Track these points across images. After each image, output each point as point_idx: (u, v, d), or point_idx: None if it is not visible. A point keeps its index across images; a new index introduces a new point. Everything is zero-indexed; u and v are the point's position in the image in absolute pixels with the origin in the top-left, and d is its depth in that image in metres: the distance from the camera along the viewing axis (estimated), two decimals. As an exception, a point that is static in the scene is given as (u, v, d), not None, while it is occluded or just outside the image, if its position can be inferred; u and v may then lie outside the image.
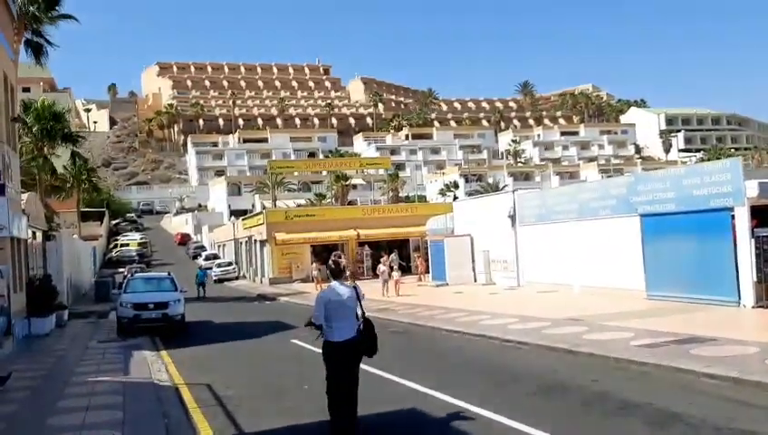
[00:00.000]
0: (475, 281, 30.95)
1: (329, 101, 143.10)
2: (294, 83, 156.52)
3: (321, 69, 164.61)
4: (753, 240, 17.40)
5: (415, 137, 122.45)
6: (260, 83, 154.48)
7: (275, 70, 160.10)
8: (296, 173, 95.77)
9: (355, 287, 7.83)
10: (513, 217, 28.31)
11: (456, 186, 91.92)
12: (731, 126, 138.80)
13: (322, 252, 42.85)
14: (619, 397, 8.83)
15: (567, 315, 17.52)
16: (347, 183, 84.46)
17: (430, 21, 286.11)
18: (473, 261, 31.39)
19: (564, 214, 25.12)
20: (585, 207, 23.94)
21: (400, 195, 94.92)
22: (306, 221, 41.73)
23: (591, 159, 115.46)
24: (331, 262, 7.87)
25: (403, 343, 15.79)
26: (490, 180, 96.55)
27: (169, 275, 22.61)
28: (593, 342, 12.44)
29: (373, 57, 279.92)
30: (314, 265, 36.70)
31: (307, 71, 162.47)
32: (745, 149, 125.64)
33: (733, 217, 17.85)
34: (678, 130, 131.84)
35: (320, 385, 10.77)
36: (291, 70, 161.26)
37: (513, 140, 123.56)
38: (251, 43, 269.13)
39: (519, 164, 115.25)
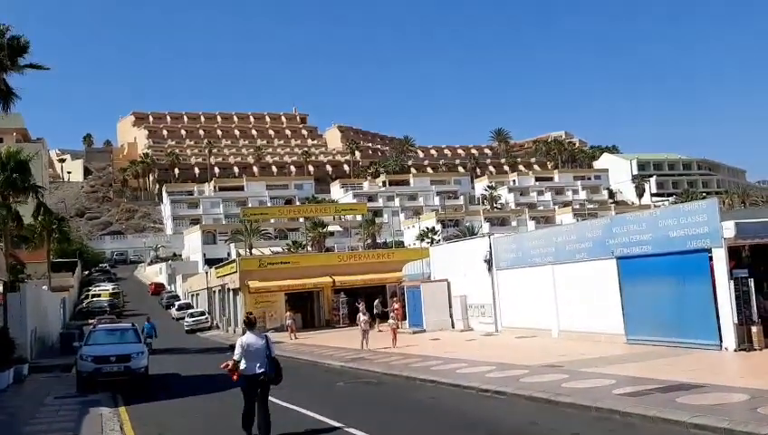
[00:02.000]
0: (453, 327, 30.33)
1: (306, 149, 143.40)
2: (271, 132, 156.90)
3: (297, 117, 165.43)
4: (732, 281, 17.13)
5: (392, 183, 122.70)
6: (236, 132, 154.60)
7: (252, 118, 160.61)
8: (272, 221, 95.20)
9: (266, 336, 10.95)
10: (489, 262, 27.91)
11: (433, 231, 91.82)
12: (701, 171, 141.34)
13: (297, 300, 42.26)
14: (604, 453, 8.28)
15: (546, 362, 17.02)
16: (323, 230, 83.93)
17: (405, 69, 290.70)
18: (450, 307, 30.82)
19: (541, 257, 24.77)
20: (561, 251, 23.64)
21: (378, 241, 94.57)
22: (280, 269, 40.94)
23: (566, 204, 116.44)
24: (245, 318, 11.17)
25: (373, 395, 15.10)
26: (467, 225, 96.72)
27: (133, 325, 21.67)
28: (574, 390, 11.89)
29: (350, 105, 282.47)
30: (288, 313, 35.81)
31: (284, 119, 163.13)
32: (716, 193, 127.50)
33: (711, 258, 17.62)
34: (650, 175, 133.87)
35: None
36: (267, 118, 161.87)
37: (488, 186, 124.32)
38: (228, 92, 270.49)
39: (495, 209, 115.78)
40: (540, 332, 24.34)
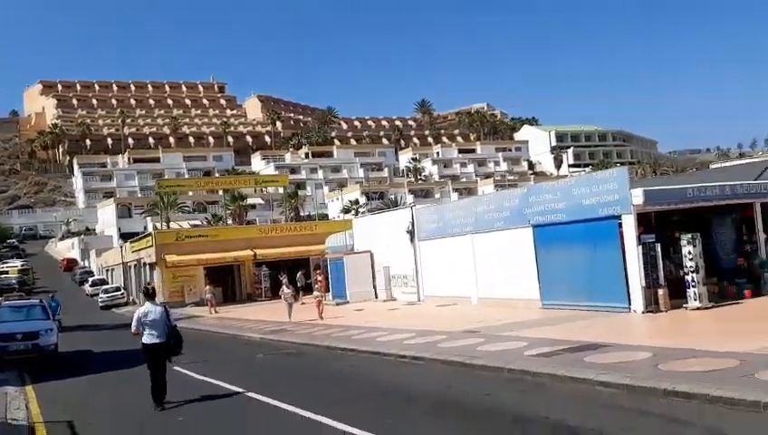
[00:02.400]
0: (377, 297, 30.45)
1: (224, 120, 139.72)
2: (188, 101, 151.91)
3: (215, 87, 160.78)
4: (640, 247, 17.80)
5: (315, 155, 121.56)
6: (151, 102, 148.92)
7: (167, 88, 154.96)
8: (191, 193, 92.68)
9: (164, 306, 11.56)
10: (411, 233, 28.05)
11: (357, 203, 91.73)
12: (616, 142, 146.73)
13: (218, 274, 41.40)
14: (513, 411, 8.45)
15: (464, 328, 17.28)
16: (244, 203, 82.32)
17: (327, 40, 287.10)
18: (373, 278, 30.88)
19: (461, 227, 25.08)
20: (481, 220, 23.98)
21: (301, 214, 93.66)
22: (199, 242, 39.90)
23: (488, 176, 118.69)
24: (143, 288, 12.34)
25: (292, 365, 14.96)
26: (391, 197, 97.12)
27: (41, 302, 20.58)
28: (488, 353, 12.10)
29: (270, 75, 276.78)
30: (207, 287, 35.01)
31: (201, 88, 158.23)
32: (630, 163, 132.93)
33: (620, 224, 18.24)
34: (568, 147, 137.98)
35: (198, 416, 9.83)
36: (184, 87, 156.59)
37: (413, 158, 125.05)
38: (141, 60, 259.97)
39: (419, 181, 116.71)
40: (460, 300, 24.74)
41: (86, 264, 74.61)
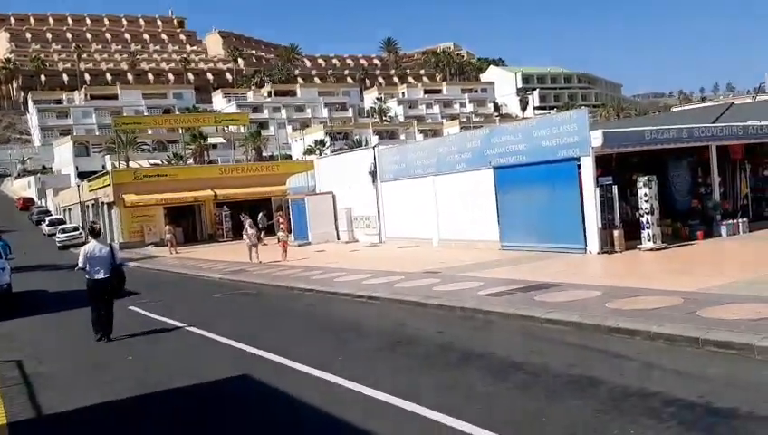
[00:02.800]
0: (339, 239, 30.45)
1: (184, 56, 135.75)
2: (146, 36, 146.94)
3: (174, 21, 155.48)
4: (597, 189, 17.98)
5: (278, 94, 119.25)
6: (108, 36, 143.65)
7: (125, 22, 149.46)
8: (150, 132, 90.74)
9: (110, 244, 12.22)
10: (374, 174, 27.91)
11: (322, 144, 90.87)
12: (581, 84, 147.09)
13: (178, 214, 40.91)
14: (463, 348, 8.58)
15: (424, 269, 17.41)
16: (205, 142, 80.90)
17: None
18: (335, 219, 30.80)
19: (423, 169, 25.00)
20: (443, 162, 23.91)
21: (264, 154, 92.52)
22: (158, 181, 39.19)
23: (454, 117, 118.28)
24: (89, 226, 12.96)
25: (249, 305, 14.95)
26: (356, 138, 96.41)
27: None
28: (443, 293, 12.24)
29: (232, 10, 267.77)
30: (168, 227, 34.56)
31: (160, 23, 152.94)
32: (593, 106, 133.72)
33: (579, 166, 18.35)
34: (534, 89, 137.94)
35: (147, 356, 9.81)
36: (142, 22, 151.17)
37: (378, 99, 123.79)
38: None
39: (385, 122, 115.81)
40: (422, 241, 24.88)
41: (43, 203, 73.02)
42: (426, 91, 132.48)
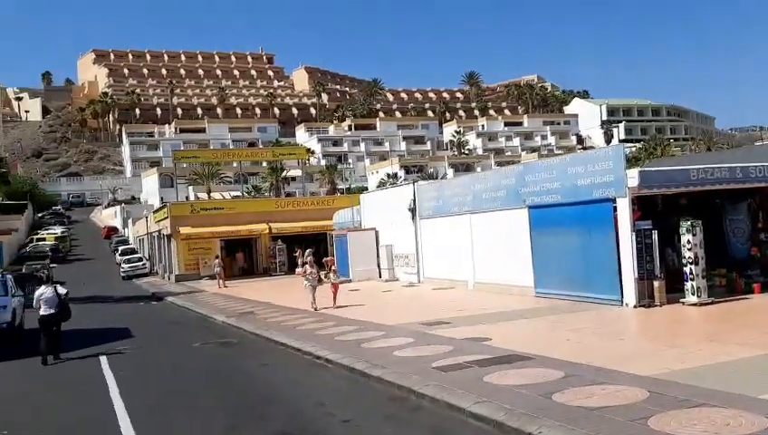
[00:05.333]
0: (380, 277, 29.39)
1: (271, 91, 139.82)
2: (236, 72, 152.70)
3: (264, 57, 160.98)
4: (633, 234, 16.15)
5: (358, 127, 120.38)
6: (200, 72, 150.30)
7: (217, 58, 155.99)
8: (234, 164, 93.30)
9: (55, 286, 15.13)
10: (413, 210, 26.82)
11: (395, 177, 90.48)
12: (670, 117, 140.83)
13: (234, 247, 41.09)
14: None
15: (435, 318, 16.14)
16: (282, 175, 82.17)
17: (378, 10, 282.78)
18: (378, 256, 29.79)
19: (459, 206, 23.70)
20: (478, 199, 22.53)
21: (341, 187, 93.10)
22: (214, 215, 39.47)
23: (534, 150, 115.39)
24: (39, 274, 19.81)
25: (208, 356, 14.11)
26: (431, 171, 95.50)
27: (2, 276, 19.92)
28: (398, 360, 10.88)
29: (319, 47, 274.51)
30: (216, 261, 34.55)
31: (250, 59, 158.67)
32: (684, 139, 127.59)
33: (615, 208, 16.60)
34: (619, 121, 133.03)
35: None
36: (233, 58, 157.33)
37: (456, 131, 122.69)
38: (193, 30, 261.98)
39: (463, 155, 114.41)
40: (458, 283, 23.51)
41: (126, 232, 75.86)
42: (506, 124, 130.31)
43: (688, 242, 15.87)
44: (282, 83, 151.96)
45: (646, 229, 16.33)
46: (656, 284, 16.26)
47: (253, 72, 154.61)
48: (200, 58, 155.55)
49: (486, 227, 22.14)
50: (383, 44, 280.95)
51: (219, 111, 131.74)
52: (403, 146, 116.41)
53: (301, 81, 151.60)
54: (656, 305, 15.99)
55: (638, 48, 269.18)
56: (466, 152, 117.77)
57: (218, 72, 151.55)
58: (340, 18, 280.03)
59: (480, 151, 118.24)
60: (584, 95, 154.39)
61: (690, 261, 15.82)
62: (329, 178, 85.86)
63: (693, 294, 15.74)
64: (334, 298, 20.75)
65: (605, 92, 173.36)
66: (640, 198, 17.58)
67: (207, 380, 11.87)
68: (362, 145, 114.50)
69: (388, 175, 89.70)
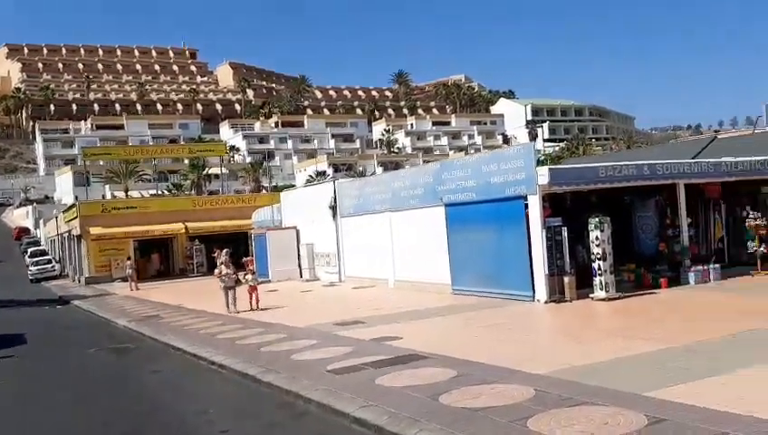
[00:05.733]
0: (301, 277, 28.81)
1: (194, 87, 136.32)
2: (157, 67, 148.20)
3: (187, 53, 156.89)
4: (544, 231, 16.25)
5: (285, 125, 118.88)
6: (119, 67, 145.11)
7: (137, 53, 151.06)
8: (155, 162, 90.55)
9: None
10: (334, 208, 26.38)
11: (324, 175, 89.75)
12: (592, 117, 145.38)
13: (149, 248, 39.60)
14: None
15: (351, 317, 15.82)
16: (204, 172, 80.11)
17: (306, 7, 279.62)
18: (298, 256, 29.20)
19: (380, 204, 23.43)
20: (398, 197, 22.33)
21: (266, 185, 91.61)
22: (127, 214, 37.85)
23: (461, 149, 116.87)
24: None
25: (91, 364, 13.33)
26: (360, 169, 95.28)
27: None
28: (295, 364, 10.48)
29: (245, 42, 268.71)
30: (129, 262, 33.12)
31: (172, 54, 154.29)
32: (605, 138, 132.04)
33: (526, 206, 16.66)
34: (544, 121, 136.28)
35: None
36: (154, 53, 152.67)
37: (385, 130, 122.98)
38: (112, 25, 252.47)
39: (392, 154, 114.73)
40: (378, 282, 23.26)
41: (38, 233, 72.32)
42: (434, 123, 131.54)
43: (596, 238, 16.09)
44: (205, 79, 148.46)
45: (556, 226, 16.47)
46: (566, 279, 16.42)
47: (175, 67, 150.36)
48: (119, 52, 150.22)
49: (406, 225, 21.97)
50: (311, 42, 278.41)
51: (139, 107, 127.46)
52: (332, 144, 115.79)
53: (225, 76, 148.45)
54: (566, 301, 16.16)
55: (563, 49, 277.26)
56: (396, 151, 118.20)
57: (138, 66, 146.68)
58: (266, 14, 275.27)
59: (409, 150, 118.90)
60: (510, 95, 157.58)
61: (598, 257, 16.04)
62: (253, 176, 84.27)
63: (601, 289, 15.97)
64: (250, 301, 19.95)
65: (530, 93, 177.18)
66: (552, 195, 17.75)
67: (92, 389, 11.16)
68: (290, 142, 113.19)
69: (317, 173, 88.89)
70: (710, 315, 13.01)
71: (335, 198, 26.31)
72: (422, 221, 20.96)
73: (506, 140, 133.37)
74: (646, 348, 10.09)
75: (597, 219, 16.14)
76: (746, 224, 18.38)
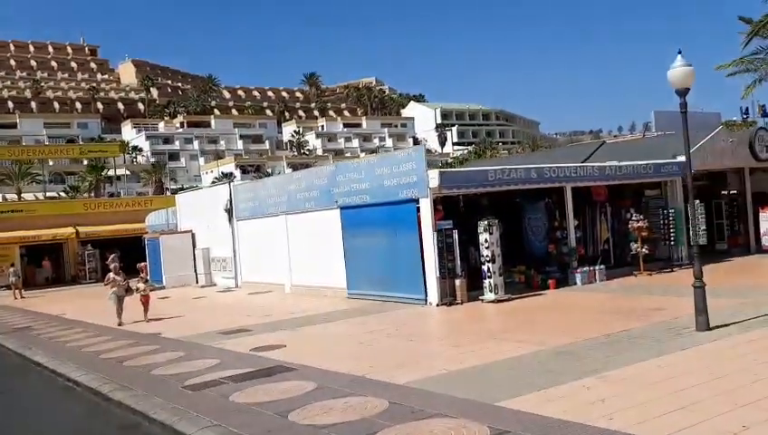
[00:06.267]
0: (197, 282, 27.83)
1: (94, 84, 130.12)
2: (54, 64, 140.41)
3: (86, 49, 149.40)
4: (435, 233, 16.24)
5: (191, 125, 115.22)
6: (12, 62, 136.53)
7: (32, 48, 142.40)
8: (51, 163, 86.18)
9: None
10: (229, 211, 25.61)
11: (229, 177, 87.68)
12: (499, 121, 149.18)
13: (39, 254, 37.33)
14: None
15: (242, 325, 15.30)
16: (103, 174, 76.53)
17: (213, 5, 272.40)
18: (195, 261, 28.18)
19: (275, 207, 22.91)
20: (293, 200, 21.88)
21: (170, 187, 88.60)
22: (12, 218, 35.47)
23: (372, 151, 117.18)
24: None
25: None
26: (269, 171, 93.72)
27: None
28: (154, 379, 9.83)
29: (149, 40, 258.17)
30: (12, 269, 30.98)
31: (70, 50, 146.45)
32: (512, 142, 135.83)
33: (419, 208, 16.61)
34: (453, 125, 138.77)
35: None
36: (50, 49, 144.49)
37: (295, 131, 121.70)
38: (4, 17, 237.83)
39: (303, 155, 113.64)
40: (275, 287, 22.75)
41: None
42: (345, 125, 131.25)
43: (485, 241, 16.23)
44: (106, 77, 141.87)
45: (447, 229, 16.51)
46: (457, 282, 16.50)
47: (73, 64, 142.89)
48: (12, 47, 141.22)
49: (302, 228, 21.56)
50: (219, 40, 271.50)
51: (34, 105, 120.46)
52: (240, 145, 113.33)
53: (128, 74, 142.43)
54: (457, 303, 16.23)
55: (473, 55, 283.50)
56: (306, 152, 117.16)
57: (33, 63, 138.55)
58: (170, 10, 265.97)
59: (320, 152, 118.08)
60: (420, 99, 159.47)
61: (487, 259, 16.18)
62: (155, 178, 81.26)
63: (491, 291, 16.13)
64: (145, 311, 18.20)
65: (441, 97, 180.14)
66: (445, 198, 17.85)
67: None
68: (195, 143, 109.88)
69: (223, 174, 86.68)
70: (589, 316, 13.30)
71: (231, 201, 25.56)
72: (318, 224, 20.61)
73: (416, 143, 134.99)
74: (518, 351, 10.16)
75: (486, 222, 16.28)
76: (629, 226, 19.09)
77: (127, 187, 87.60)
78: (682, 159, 20.73)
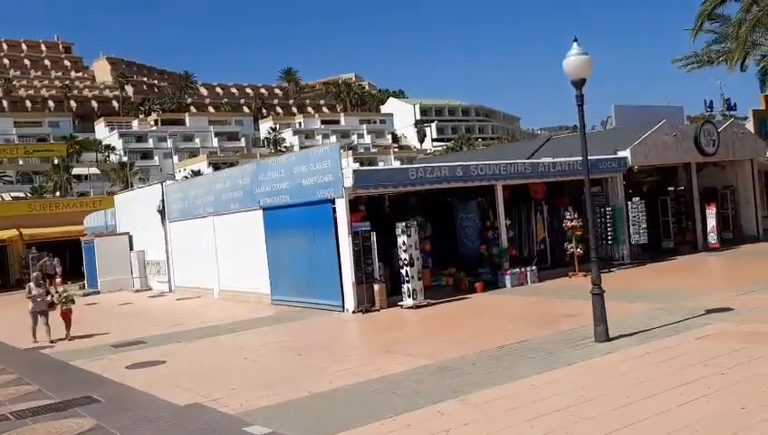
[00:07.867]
0: (134, 286, 26.70)
1: (67, 82, 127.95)
2: (27, 62, 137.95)
3: (60, 46, 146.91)
4: (350, 236, 15.27)
5: (165, 122, 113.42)
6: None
7: (5, 46, 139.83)
8: (21, 162, 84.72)
9: None
10: (162, 212, 24.51)
11: (197, 174, 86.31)
12: (479, 117, 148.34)
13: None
14: None
15: (141, 335, 14.48)
16: (68, 173, 75.11)
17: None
18: (132, 264, 27.04)
19: (204, 208, 21.86)
20: (220, 200, 20.86)
21: (141, 186, 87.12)
22: (-50, 221, 34.18)
23: (351, 148, 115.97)
24: None
25: None
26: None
27: None
28: None
29: (124, 36, 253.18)
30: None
31: (44, 48, 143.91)
32: (491, 138, 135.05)
33: (334, 209, 15.63)
34: (432, 121, 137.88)
35: None
36: (24, 46, 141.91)
37: (272, 128, 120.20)
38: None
39: (279, 152, 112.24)
40: (205, 292, 21.75)
41: None
42: (323, 122, 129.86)
43: (403, 243, 15.29)
44: (80, 75, 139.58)
45: (365, 231, 15.57)
46: (376, 287, 15.57)
47: (47, 61, 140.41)
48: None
49: (228, 230, 20.56)
50: (196, 37, 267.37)
51: (5, 103, 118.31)
52: (215, 142, 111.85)
53: (103, 72, 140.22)
54: (375, 310, 15.31)
55: (450, 49, 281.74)
56: (283, 149, 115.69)
57: (5, 61, 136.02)
58: (148, 7, 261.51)
59: (297, 149, 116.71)
60: (400, 95, 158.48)
61: (405, 263, 15.25)
62: (123, 176, 79.82)
63: (409, 296, 15.21)
64: (67, 327, 15.25)
65: (420, 92, 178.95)
66: (370, 198, 16.91)
67: None
68: (169, 141, 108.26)
69: (194, 172, 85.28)
70: (497, 324, 12.42)
71: (163, 201, 24.47)
72: (242, 226, 19.61)
73: (396, 139, 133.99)
74: (401, 368, 9.30)
75: (404, 224, 15.33)
76: (564, 225, 18.21)
77: (96, 186, 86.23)
78: (623, 154, 20.05)
